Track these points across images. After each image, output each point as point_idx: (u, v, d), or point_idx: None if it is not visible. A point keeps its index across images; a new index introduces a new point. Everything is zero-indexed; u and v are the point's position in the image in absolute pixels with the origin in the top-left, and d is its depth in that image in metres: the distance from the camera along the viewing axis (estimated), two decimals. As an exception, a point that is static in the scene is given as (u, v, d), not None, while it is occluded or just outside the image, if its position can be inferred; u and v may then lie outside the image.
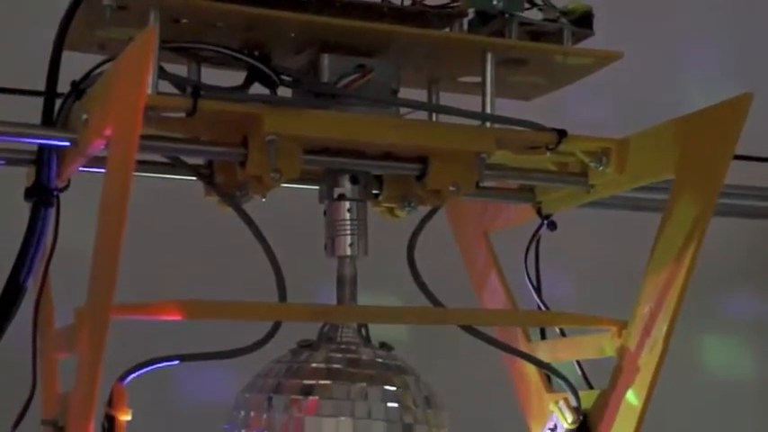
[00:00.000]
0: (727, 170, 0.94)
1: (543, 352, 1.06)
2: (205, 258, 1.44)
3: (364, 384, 0.93)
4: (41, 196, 0.92)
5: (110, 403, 0.87)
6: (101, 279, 0.81)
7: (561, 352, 1.04)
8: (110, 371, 0.85)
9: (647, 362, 0.96)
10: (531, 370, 1.09)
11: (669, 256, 0.95)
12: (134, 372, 0.88)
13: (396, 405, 0.93)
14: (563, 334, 1.07)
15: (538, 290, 1.08)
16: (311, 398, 0.92)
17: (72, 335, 0.86)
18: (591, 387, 1.03)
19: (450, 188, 0.96)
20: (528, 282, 1.09)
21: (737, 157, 0.98)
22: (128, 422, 0.87)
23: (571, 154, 1.01)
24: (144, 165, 0.97)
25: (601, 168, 1.01)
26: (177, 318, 0.88)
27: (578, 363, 1.05)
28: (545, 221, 1.09)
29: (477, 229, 1.17)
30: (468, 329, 0.96)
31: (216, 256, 1.44)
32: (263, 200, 0.96)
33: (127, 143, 0.79)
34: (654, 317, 0.96)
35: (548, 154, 1.00)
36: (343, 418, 0.91)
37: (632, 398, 0.96)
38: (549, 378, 1.08)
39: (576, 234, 1.30)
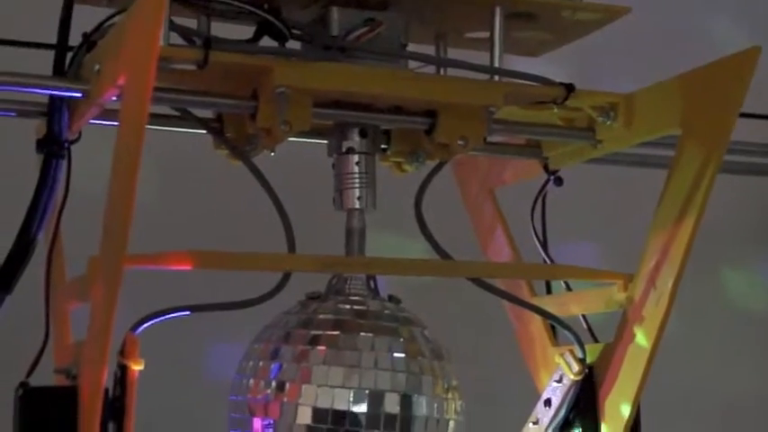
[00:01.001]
0: (734, 124, 0.95)
1: (549, 306, 1.07)
2: (214, 213, 1.45)
3: (371, 335, 0.93)
4: (53, 148, 0.92)
5: (122, 353, 0.87)
6: (114, 228, 0.82)
7: (567, 306, 1.05)
8: (121, 323, 0.86)
9: (654, 315, 0.96)
10: (536, 325, 1.10)
11: (675, 210, 0.96)
12: (146, 321, 0.89)
13: (402, 356, 0.93)
14: (569, 288, 1.08)
15: (544, 245, 1.09)
16: (319, 348, 0.93)
17: (85, 284, 0.87)
18: (596, 341, 1.04)
19: (459, 142, 0.96)
20: (534, 237, 1.09)
21: (750, 116, 0.98)
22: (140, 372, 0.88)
23: (578, 109, 1.02)
24: (153, 118, 0.97)
25: (608, 123, 1.01)
26: (188, 267, 0.88)
27: (584, 317, 1.06)
28: (551, 177, 1.09)
29: (484, 186, 1.18)
30: (477, 281, 0.97)
31: (225, 211, 1.44)
32: (272, 153, 0.97)
33: (141, 91, 0.79)
34: (660, 270, 0.96)
35: (555, 109, 1.01)
36: (349, 368, 0.92)
37: (638, 351, 0.97)
38: (554, 332, 1.09)
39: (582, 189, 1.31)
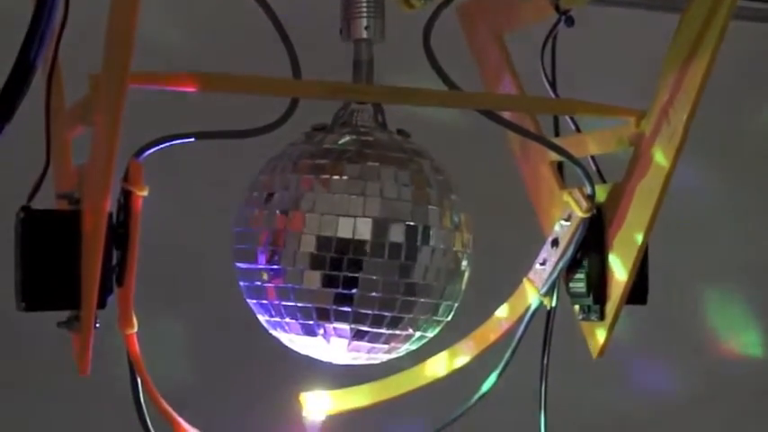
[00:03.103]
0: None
1: (558, 147, 1.05)
2: (218, 45, 1.43)
3: (377, 164, 0.92)
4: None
5: (126, 179, 0.86)
6: (117, 43, 0.80)
7: (576, 147, 1.03)
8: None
9: (666, 151, 0.95)
10: (544, 168, 1.08)
11: (689, 44, 0.94)
12: (150, 148, 0.87)
13: (409, 185, 0.92)
14: (578, 130, 1.06)
15: (553, 85, 1.07)
16: (323, 177, 0.91)
17: (87, 106, 0.85)
18: (604, 181, 1.03)
19: (469, -27, 0.94)
20: (543, 78, 1.07)
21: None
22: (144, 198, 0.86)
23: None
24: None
25: (623, -44, 0.99)
26: (192, 89, 0.86)
27: (593, 158, 1.05)
28: (563, 16, 1.07)
29: (491, 32, 1.15)
30: (487, 114, 0.95)
31: (228, 42, 1.42)
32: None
33: None
34: (674, 106, 0.95)
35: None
36: (354, 197, 0.90)
37: (649, 187, 0.96)
38: (561, 174, 1.07)
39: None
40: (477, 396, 1.02)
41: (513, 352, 1.01)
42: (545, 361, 1.02)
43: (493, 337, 1.04)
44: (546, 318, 1.02)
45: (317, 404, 1.02)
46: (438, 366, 1.05)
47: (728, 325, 1.73)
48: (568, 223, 1.00)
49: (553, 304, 1.01)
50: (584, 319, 1.03)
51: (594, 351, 1.03)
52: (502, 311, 1.04)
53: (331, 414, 1.03)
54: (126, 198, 0.86)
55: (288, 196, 0.92)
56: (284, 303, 0.92)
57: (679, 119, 0.94)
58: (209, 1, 1.35)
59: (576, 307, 1.03)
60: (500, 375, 1.01)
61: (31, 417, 1.42)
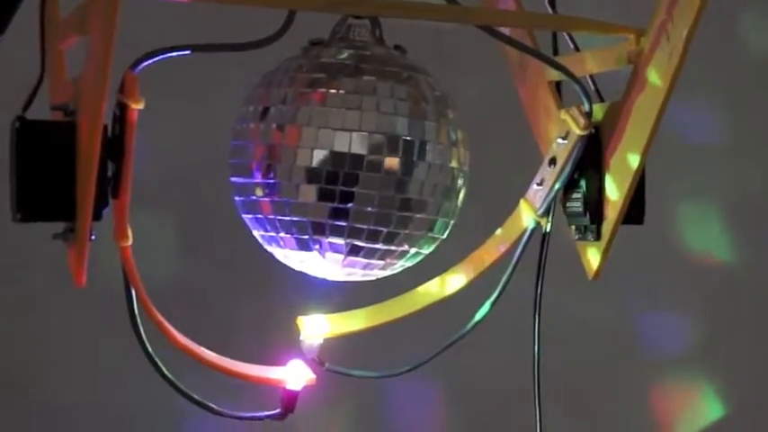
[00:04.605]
0: None
1: (556, 66, 1.04)
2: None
3: (374, 78, 0.91)
4: None
5: (122, 90, 0.85)
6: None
7: (575, 65, 1.02)
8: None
9: (665, 69, 0.94)
10: (542, 87, 1.07)
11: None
12: (145, 60, 0.86)
13: (405, 100, 0.91)
14: (576, 48, 1.05)
15: (552, 3, 1.06)
16: (320, 90, 0.90)
17: (82, 15, 0.84)
18: (603, 101, 1.02)
19: None
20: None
21: None
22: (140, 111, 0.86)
23: None
24: None
25: None
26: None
27: (591, 78, 1.04)
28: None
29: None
30: (487, 29, 0.94)
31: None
32: None
33: None
34: (674, 22, 0.94)
35: None
36: (351, 111, 0.90)
37: (648, 105, 0.95)
38: (560, 94, 1.06)
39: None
40: (472, 323, 1.02)
41: (510, 275, 1.01)
42: (539, 290, 1.03)
43: (489, 259, 1.03)
44: (540, 242, 1.02)
45: (315, 327, 1.02)
46: (434, 290, 1.05)
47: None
48: (566, 141, 0.99)
49: (548, 226, 1.01)
50: (580, 239, 1.02)
51: (590, 272, 1.02)
52: (498, 234, 1.04)
53: (328, 338, 1.03)
54: (121, 111, 0.85)
55: (284, 110, 0.91)
56: (279, 218, 0.92)
57: (679, 35, 0.93)
58: None
59: (573, 228, 1.03)
60: (495, 302, 1.01)
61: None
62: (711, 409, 1.74)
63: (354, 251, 0.92)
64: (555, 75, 1.05)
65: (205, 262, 1.55)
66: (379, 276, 0.96)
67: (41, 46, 0.90)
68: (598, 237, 1.01)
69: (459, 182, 0.95)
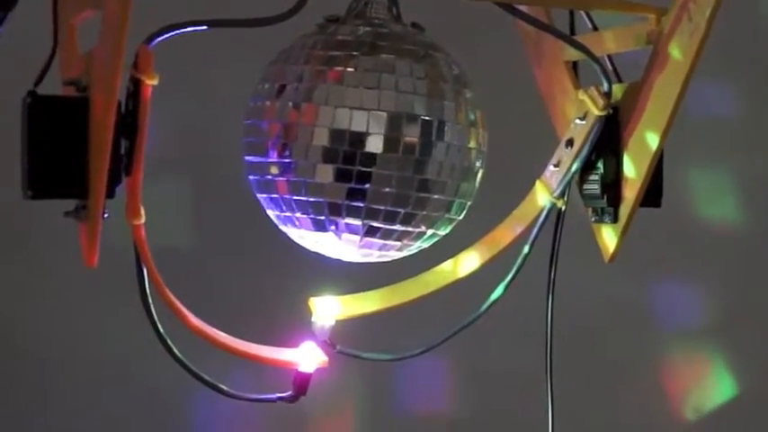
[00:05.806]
0: None
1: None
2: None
3: (393, 56, 0.89)
4: None
5: (135, 66, 0.84)
6: None
7: (593, 44, 1.00)
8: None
9: (687, 48, 0.93)
10: (559, 67, 1.05)
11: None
12: (160, 35, 0.85)
13: (424, 79, 0.90)
14: (594, 28, 1.03)
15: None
16: (337, 68, 0.89)
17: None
18: (621, 81, 1.01)
19: None
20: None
21: None
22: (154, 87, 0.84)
23: None
24: None
25: None
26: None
27: (609, 58, 1.02)
28: None
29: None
30: (503, 5, 0.93)
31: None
32: None
33: None
34: (696, 2, 0.92)
35: None
36: (369, 90, 0.88)
37: (668, 85, 0.94)
38: (576, 74, 1.05)
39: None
40: (486, 304, 1.01)
41: (525, 258, 0.99)
42: (552, 274, 1.01)
43: (505, 241, 1.02)
44: (555, 223, 1.01)
45: (327, 309, 1.01)
46: (448, 272, 1.04)
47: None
48: (583, 122, 0.98)
49: (564, 206, 0.99)
50: (596, 221, 1.01)
51: (606, 254, 1.01)
52: (514, 215, 1.02)
53: (340, 319, 1.02)
54: (135, 86, 0.84)
55: (300, 88, 0.89)
56: (295, 198, 0.90)
57: (702, 14, 0.91)
58: None
59: (590, 210, 1.02)
60: (509, 283, 1.00)
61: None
62: (725, 384, 1.73)
63: (371, 232, 0.91)
64: (571, 54, 1.04)
65: (218, 242, 1.53)
66: (395, 258, 0.95)
67: (54, 19, 0.88)
68: (615, 219, 1.00)
69: (478, 163, 0.93)
